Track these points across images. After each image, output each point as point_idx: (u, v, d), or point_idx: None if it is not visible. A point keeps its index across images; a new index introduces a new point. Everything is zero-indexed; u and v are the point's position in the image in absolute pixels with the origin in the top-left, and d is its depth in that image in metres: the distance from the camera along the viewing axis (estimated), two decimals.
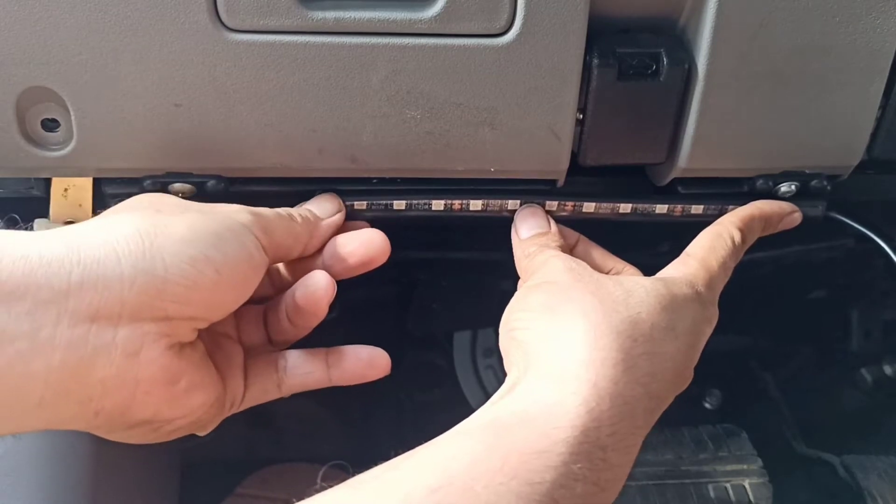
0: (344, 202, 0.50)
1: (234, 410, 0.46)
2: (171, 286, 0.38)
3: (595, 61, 0.45)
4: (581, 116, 0.47)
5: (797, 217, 0.52)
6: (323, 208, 0.49)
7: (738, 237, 0.48)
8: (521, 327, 0.43)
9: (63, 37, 0.42)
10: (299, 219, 0.46)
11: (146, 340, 0.38)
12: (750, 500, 0.59)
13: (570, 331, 0.40)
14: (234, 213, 0.43)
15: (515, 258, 0.50)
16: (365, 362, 0.48)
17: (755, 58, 0.45)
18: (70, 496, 0.50)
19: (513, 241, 0.51)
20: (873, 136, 0.50)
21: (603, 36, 0.45)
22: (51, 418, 0.37)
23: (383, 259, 0.48)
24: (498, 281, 0.71)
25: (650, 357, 0.40)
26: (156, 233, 0.39)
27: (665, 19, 0.46)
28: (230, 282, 0.41)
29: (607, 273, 0.49)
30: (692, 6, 0.45)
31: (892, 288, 0.77)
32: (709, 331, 0.45)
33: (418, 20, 0.43)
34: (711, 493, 0.59)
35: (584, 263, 0.46)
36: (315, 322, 0.47)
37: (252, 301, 0.46)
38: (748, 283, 0.81)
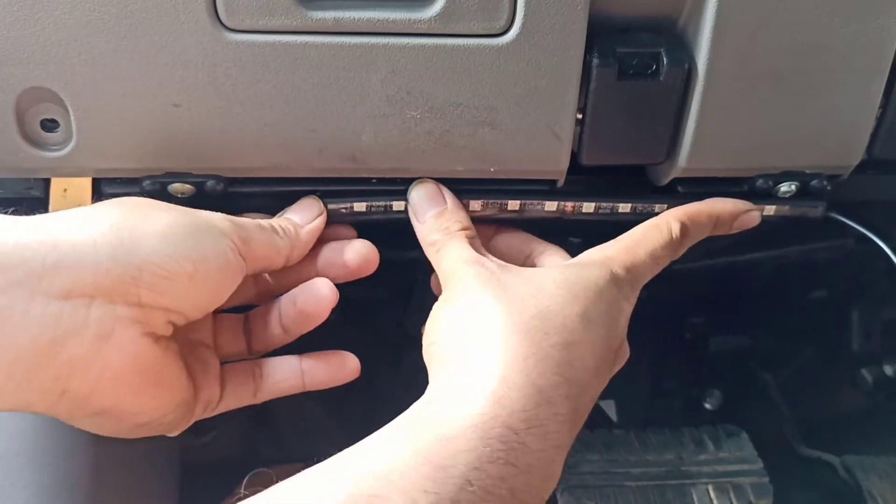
0: (341, 204, 0.50)
1: (207, 415, 0.47)
2: (147, 275, 0.39)
3: (595, 61, 0.45)
4: (581, 116, 0.47)
5: (755, 216, 0.52)
6: (303, 214, 0.49)
7: (676, 230, 0.48)
8: (437, 341, 0.43)
9: (63, 37, 0.42)
10: (280, 231, 0.47)
11: (118, 325, 0.39)
12: (750, 500, 0.59)
13: (480, 338, 0.41)
14: (214, 218, 0.44)
15: (423, 248, 0.49)
16: (336, 366, 0.49)
17: (755, 57, 0.45)
18: (70, 496, 0.50)
19: (414, 227, 0.50)
20: (873, 136, 0.50)
21: (603, 36, 0.45)
22: (18, 396, 0.38)
23: (373, 269, 0.49)
24: None
25: (565, 346, 0.41)
26: (134, 225, 0.40)
27: (665, 19, 0.46)
28: (205, 280, 0.42)
29: (528, 256, 0.50)
30: (692, 6, 0.45)
31: (893, 288, 0.77)
32: (628, 309, 0.46)
33: (418, 20, 0.43)
34: (711, 493, 0.59)
35: (489, 260, 0.46)
36: (310, 327, 0.48)
37: (234, 310, 0.47)
38: (748, 284, 0.81)
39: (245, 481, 0.72)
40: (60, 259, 0.38)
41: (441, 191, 0.50)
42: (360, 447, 0.38)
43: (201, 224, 0.43)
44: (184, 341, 0.45)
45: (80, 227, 0.39)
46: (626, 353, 0.47)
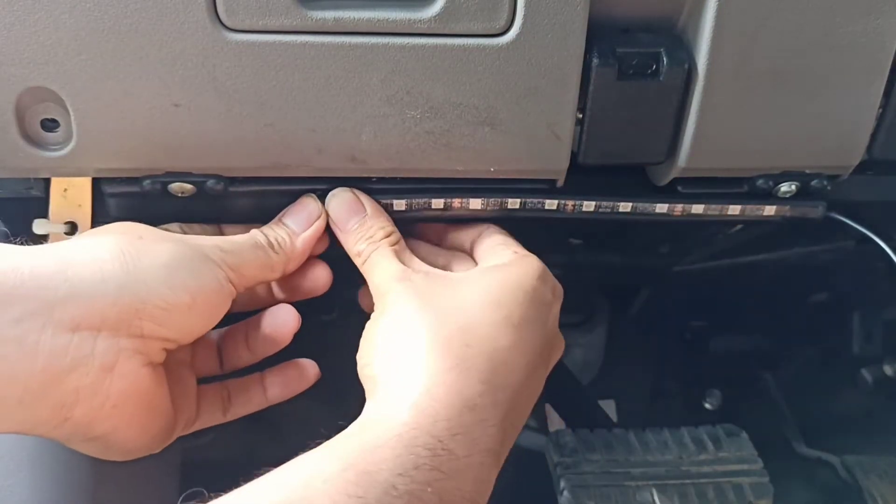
0: None
1: (182, 434, 0.49)
2: (150, 307, 0.41)
3: (595, 61, 0.45)
4: (581, 116, 0.47)
5: None
6: (300, 218, 0.49)
7: None
8: (369, 363, 0.45)
9: (63, 37, 0.42)
10: (276, 245, 0.48)
11: (122, 356, 0.40)
12: (750, 501, 0.59)
13: (406, 356, 0.42)
14: (207, 248, 0.45)
15: (351, 258, 0.49)
16: (295, 375, 0.51)
17: (755, 57, 0.45)
18: (70, 496, 0.50)
19: (338, 237, 0.50)
20: (873, 136, 0.50)
21: (603, 36, 0.45)
22: (25, 421, 0.39)
23: (324, 290, 0.51)
24: None
25: (489, 355, 0.42)
26: (139, 256, 0.42)
27: (665, 19, 0.46)
28: (202, 308, 0.43)
29: (441, 266, 0.50)
30: (692, 6, 0.45)
31: (893, 289, 0.77)
32: (557, 305, 0.47)
33: (418, 20, 0.43)
34: (711, 493, 0.59)
35: (415, 271, 0.47)
36: (275, 350, 0.50)
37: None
38: (749, 285, 0.81)
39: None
40: (71, 290, 0.39)
41: (359, 198, 0.50)
42: (295, 461, 0.39)
43: (197, 255, 0.44)
44: (167, 363, 0.46)
45: (88, 257, 0.41)
46: (561, 345, 0.48)
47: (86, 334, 0.39)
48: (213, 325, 0.46)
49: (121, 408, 0.41)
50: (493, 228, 0.52)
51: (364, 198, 0.50)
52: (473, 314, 0.43)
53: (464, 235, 0.53)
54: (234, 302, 0.51)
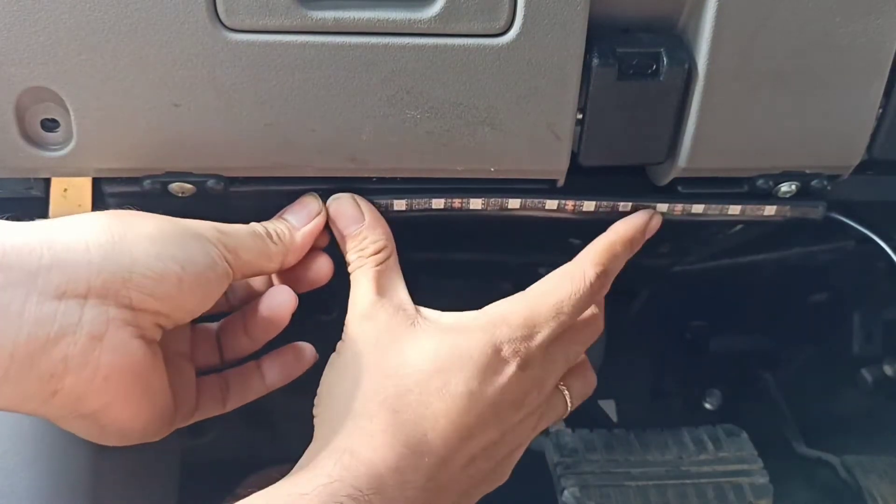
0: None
1: (181, 425, 0.49)
2: (137, 277, 0.40)
3: (595, 61, 0.45)
4: (581, 116, 0.47)
5: (657, 221, 0.52)
6: (300, 215, 0.49)
7: (591, 275, 0.48)
8: (319, 407, 0.47)
9: (63, 37, 0.42)
10: (275, 236, 0.47)
11: (111, 326, 0.40)
12: (750, 501, 0.59)
13: (343, 413, 0.44)
14: (201, 227, 0.45)
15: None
16: (292, 359, 0.51)
17: (755, 57, 0.45)
18: (70, 496, 0.50)
19: (337, 240, 0.50)
20: (873, 136, 0.50)
21: (603, 36, 0.45)
22: (12, 395, 0.39)
23: (326, 280, 0.50)
24: (498, 282, 0.71)
25: (415, 422, 0.43)
26: (125, 230, 0.41)
27: (665, 19, 0.46)
28: (193, 283, 0.43)
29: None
30: (692, 6, 0.45)
31: (893, 289, 0.77)
32: (514, 370, 0.46)
33: (418, 20, 0.43)
34: (711, 493, 0.59)
35: (385, 303, 0.47)
36: (274, 333, 0.49)
37: (207, 318, 0.48)
38: (749, 285, 0.81)
39: (245, 482, 0.72)
40: (55, 259, 0.39)
41: (359, 205, 0.50)
42: None
43: (188, 231, 0.44)
44: (166, 354, 0.45)
45: (72, 230, 0.40)
46: (558, 406, 0.50)
47: (72, 302, 0.39)
48: (210, 306, 0.45)
49: (113, 381, 0.40)
50: None
51: (364, 205, 0.50)
52: (409, 381, 0.44)
53: None
54: (234, 295, 0.52)
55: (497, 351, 0.45)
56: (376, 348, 0.46)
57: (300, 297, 0.49)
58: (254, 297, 0.51)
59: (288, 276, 0.51)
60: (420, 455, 0.43)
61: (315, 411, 0.47)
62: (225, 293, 0.49)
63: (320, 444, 0.44)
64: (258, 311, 0.49)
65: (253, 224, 0.48)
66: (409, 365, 0.45)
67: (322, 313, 0.65)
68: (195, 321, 0.47)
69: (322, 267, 0.50)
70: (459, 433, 0.44)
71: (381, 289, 0.48)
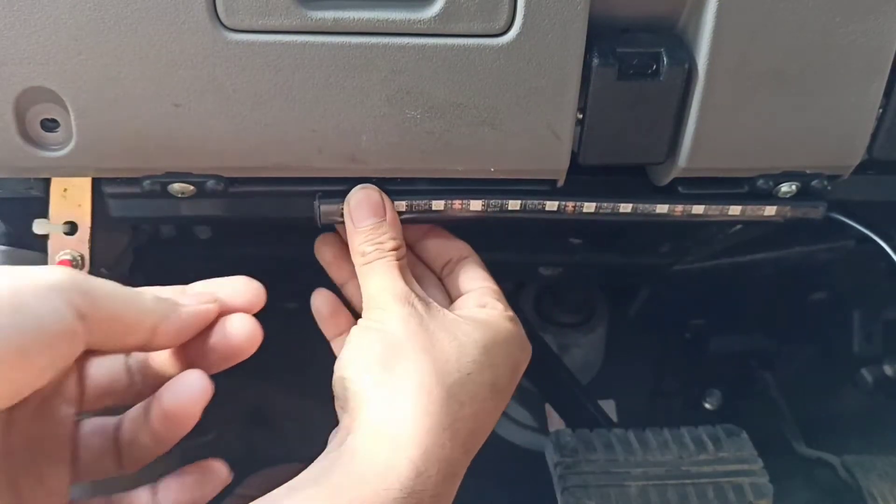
0: (340, 204, 0.49)
1: None
2: None
3: (595, 61, 0.45)
4: (581, 116, 0.47)
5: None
6: (203, 294, 0.40)
7: None
8: (354, 377, 0.43)
9: (63, 37, 0.42)
10: (150, 296, 0.38)
11: None
12: (750, 501, 0.59)
13: (404, 392, 0.41)
14: (45, 272, 0.34)
15: (351, 254, 0.48)
16: (195, 485, 0.41)
17: (755, 57, 0.45)
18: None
19: (347, 230, 0.49)
20: (873, 136, 0.50)
21: (603, 36, 0.45)
22: None
23: (251, 350, 0.40)
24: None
25: (474, 416, 0.42)
26: None
27: (665, 19, 0.46)
28: (21, 343, 0.31)
29: (447, 262, 0.50)
30: (692, 6, 0.45)
31: (893, 289, 0.77)
32: (524, 365, 0.47)
33: (418, 20, 0.43)
34: (711, 493, 0.59)
35: (416, 298, 0.46)
36: (182, 432, 0.39)
37: (101, 412, 0.40)
38: (749, 284, 0.81)
39: (245, 482, 0.72)
40: None
41: (384, 201, 0.49)
42: (272, 498, 0.37)
43: (23, 277, 0.33)
44: (21, 447, 0.36)
45: None
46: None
47: None
48: (50, 377, 0.33)
49: None
50: (472, 259, 0.51)
51: (388, 203, 0.49)
52: (472, 371, 0.43)
53: (437, 253, 0.52)
54: (142, 378, 0.41)
55: (521, 349, 0.47)
56: (427, 333, 0.44)
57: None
58: (165, 381, 0.39)
59: (198, 350, 0.40)
60: (469, 454, 0.42)
61: (349, 384, 0.42)
62: (129, 372, 0.41)
63: (377, 432, 0.40)
64: (161, 403, 0.38)
65: (155, 288, 0.39)
66: (466, 351, 0.44)
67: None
68: (96, 413, 0.39)
69: (248, 331, 0.40)
70: (489, 430, 0.44)
71: (406, 282, 0.47)
